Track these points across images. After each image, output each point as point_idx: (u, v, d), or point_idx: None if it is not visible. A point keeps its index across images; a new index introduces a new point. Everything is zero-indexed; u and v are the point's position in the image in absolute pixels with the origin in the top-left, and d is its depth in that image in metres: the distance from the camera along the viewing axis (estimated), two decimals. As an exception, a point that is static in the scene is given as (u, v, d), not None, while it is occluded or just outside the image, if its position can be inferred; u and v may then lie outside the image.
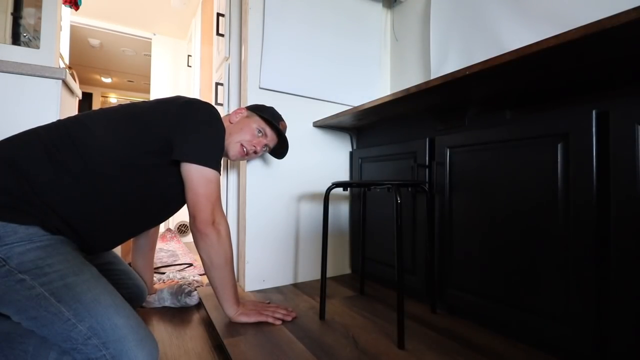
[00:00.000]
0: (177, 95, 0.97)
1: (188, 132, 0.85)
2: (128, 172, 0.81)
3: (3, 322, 0.69)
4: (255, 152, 1.10)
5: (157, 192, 0.89)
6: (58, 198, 0.72)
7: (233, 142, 1.06)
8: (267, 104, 1.44)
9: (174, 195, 0.92)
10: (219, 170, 0.90)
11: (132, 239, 1.21)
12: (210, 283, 0.97)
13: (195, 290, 1.29)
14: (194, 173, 0.86)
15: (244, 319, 1.00)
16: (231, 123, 1.10)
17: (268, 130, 1.13)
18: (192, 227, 0.89)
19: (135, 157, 0.81)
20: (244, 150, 1.07)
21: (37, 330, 0.66)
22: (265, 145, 1.13)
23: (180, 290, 1.24)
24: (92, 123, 0.81)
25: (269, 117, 1.13)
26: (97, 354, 0.65)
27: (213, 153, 0.89)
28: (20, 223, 0.67)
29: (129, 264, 1.19)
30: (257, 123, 1.11)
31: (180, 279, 1.44)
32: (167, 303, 1.22)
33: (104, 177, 0.77)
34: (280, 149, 1.23)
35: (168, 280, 1.43)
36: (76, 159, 0.75)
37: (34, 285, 0.65)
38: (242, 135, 1.07)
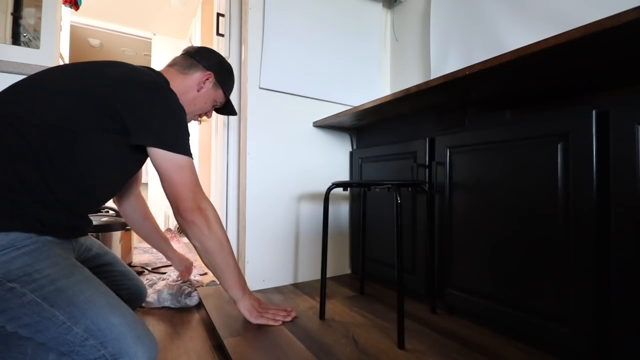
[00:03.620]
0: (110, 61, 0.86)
1: (149, 115, 0.78)
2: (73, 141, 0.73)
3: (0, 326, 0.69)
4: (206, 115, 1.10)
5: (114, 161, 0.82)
6: (26, 186, 0.67)
7: (192, 114, 1.04)
8: (267, 104, 1.45)
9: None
10: (191, 155, 0.84)
11: (136, 234, 1.20)
12: (210, 270, 0.93)
13: (195, 290, 1.29)
14: (165, 161, 0.79)
15: (246, 314, 0.99)
16: (198, 91, 1.01)
17: (221, 101, 1.09)
18: (176, 217, 0.84)
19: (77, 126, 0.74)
20: (199, 121, 1.08)
21: (33, 337, 0.65)
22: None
23: (180, 291, 1.24)
24: (31, 100, 0.73)
25: (230, 91, 1.09)
26: (96, 354, 0.65)
27: (182, 137, 0.82)
28: None
29: (129, 264, 1.19)
30: (220, 98, 1.06)
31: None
32: (167, 304, 1.22)
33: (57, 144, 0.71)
34: (226, 110, 1.16)
35: (169, 280, 1.43)
36: (19, 139, 0.69)
37: (24, 293, 0.63)
38: (203, 108, 1.04)
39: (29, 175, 0.68)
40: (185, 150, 0.81)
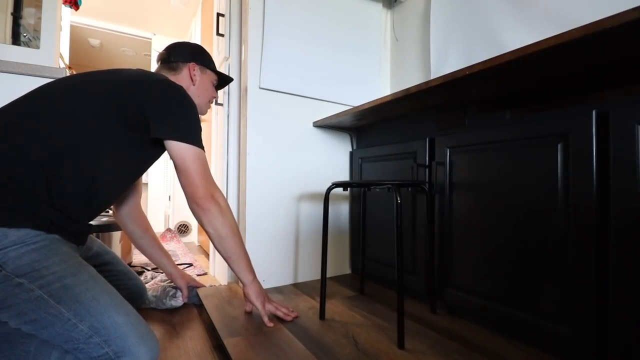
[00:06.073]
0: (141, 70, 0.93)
1: (167, 110, 0.84)
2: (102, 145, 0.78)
3: (4, 323, 0.69)
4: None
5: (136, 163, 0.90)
6: (39, 182, 0.69)
7: (204, 104, 1.10)
8: (267, 104, 1.46)
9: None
10: (203, 148, 0.90)
11: (134, 244, 1.20)
12: (222, 255, 0.97)
13: (178, 290, 1.25)
14: (182, 152, 0.85)
15: (254, 297, 1.01)
16: (195, 84, 1.07)
17: (215, 79, 1.15)
18: (192, 205, 0.89)
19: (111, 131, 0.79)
20: (209, 105, 1.14)
21: (37, 333, 0.66)
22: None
23: (164, 293, 1.22)
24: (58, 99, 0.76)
25: (214, 66, 1.14)
26: (100, 352, 0.66)
27: (196, 130, 0.89)
28: (9, 226, 0.65)
29: (129, 264, 1.19)
30: (213, 78, 1.13)
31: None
32: (152, 306, 1.20)
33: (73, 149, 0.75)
34: (222, 83, 1.23)
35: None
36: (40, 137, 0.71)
37: (32, 288, 0.64)
38: (207, 94, 1.11)
39: (44, 178, 0.70)
40: (199, 143, 0.87)
